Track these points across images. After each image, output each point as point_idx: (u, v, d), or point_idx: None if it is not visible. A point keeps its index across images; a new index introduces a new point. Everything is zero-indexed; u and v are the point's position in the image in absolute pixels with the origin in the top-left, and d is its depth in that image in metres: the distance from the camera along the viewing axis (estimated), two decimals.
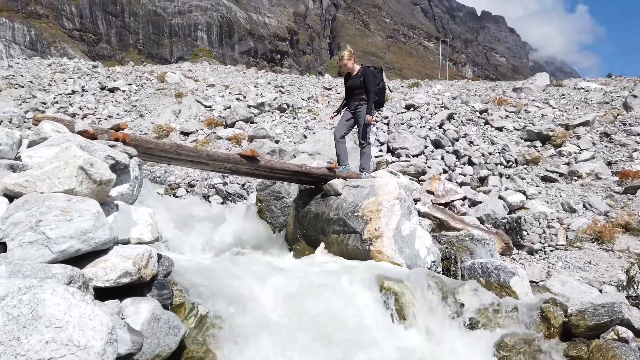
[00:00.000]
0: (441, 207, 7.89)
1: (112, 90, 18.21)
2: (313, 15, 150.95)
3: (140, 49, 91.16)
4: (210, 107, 16.36)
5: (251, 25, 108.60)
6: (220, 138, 12.59)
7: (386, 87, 6.73)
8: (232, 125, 13.83)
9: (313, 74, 38.39)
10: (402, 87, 21.40)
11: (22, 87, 18.29)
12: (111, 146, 3.45)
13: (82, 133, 3.42)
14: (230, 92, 18.80)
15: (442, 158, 10.12)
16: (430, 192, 8.42)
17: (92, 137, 3.48)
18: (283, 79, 24.48)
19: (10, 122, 13.30)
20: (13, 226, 2.41)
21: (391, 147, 10.40)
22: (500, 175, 9.20)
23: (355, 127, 6.64)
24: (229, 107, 15.40)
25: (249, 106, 15.71)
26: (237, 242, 6.53)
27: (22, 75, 20.45)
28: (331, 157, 7.94)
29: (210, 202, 8.63)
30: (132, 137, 3.86)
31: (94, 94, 17.68)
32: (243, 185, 9.12)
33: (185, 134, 13.41)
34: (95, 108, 15.99)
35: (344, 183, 6.00)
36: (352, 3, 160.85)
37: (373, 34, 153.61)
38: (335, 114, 7.12)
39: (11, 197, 2.68)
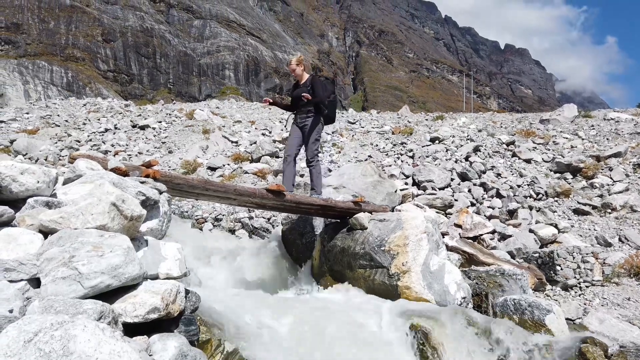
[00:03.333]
0: (470, 240, 7.72)
1: (142, 127, 18.80)
2: (337, 52, 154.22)
3: (171, 87, 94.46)
4: (236, 142, 16.67)
5: (277, 63, 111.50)
6: (246, 172, 12.75)
7: (338, 100, 6.43)
8: (257, 160, 14.01)
9: (337, 109, 38.97)
10: (427, 120, 21.38)
11: (58, 126, 19.08)
12: (142, 182, 3.54)
13: (115, 170, 3.53)
14: (256, 128, 19.14)
15: (469, 191, 9.97)
16: (457, 226, 8.27)
17: (124, 173, 3.58)
18: None
19: (46, 159, 13.80)
20: (47, 262, 2.47)
21: (417, 180, 10.33)
22: (530, 208, 8.98)
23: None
24: (255, 142, 15.65)
25: (274, 141, 15.95)
26: (263, 277, 6.50)
27: (58, 115, 21.39)
28: (356, 190, 7.92)
29: (236, 236, 8.67)
30: (162, 173, 3.96)
31: (125, 131, 18.27)
32: (268, 219, 9.16)
33: (212, 169, 13.63)
34: (127, 145, 16.48)
35: (369, 217, 5.97)
36: (375, 40, 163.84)
37: (396, 68, 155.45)
38: (266, 103, 6.69)
39: (46, 233, 2.76)
